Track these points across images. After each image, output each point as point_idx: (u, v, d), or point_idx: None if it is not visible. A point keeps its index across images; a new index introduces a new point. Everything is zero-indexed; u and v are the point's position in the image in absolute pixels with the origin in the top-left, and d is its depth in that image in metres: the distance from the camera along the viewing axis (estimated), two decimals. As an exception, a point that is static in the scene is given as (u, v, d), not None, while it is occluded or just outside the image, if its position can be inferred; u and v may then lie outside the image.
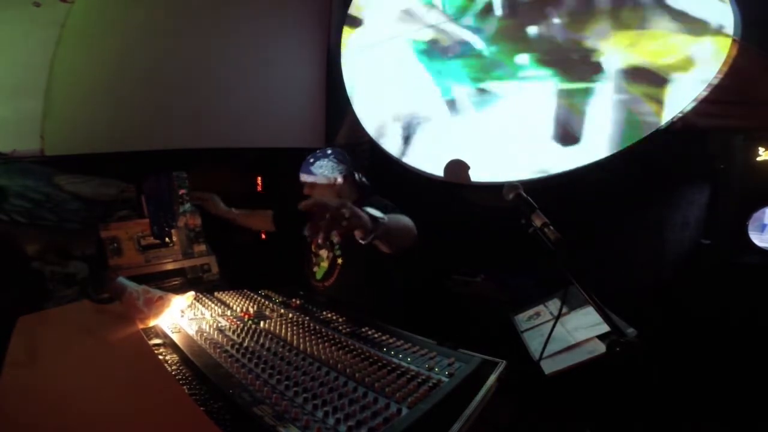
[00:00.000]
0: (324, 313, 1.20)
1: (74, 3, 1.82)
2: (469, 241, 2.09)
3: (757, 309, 1.43)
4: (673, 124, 1.63)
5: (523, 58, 1.98)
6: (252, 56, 2.42)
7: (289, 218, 1.74)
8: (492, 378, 0.80)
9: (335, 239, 0.89)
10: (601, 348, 1.04)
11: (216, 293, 1.40)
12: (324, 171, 1.52)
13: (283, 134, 2.58)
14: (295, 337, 0.99)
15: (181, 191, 1.68)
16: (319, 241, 0.87)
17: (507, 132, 2.05)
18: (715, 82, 1.55)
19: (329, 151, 1.57)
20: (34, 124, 1.79)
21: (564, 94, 1.88)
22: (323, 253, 1.57)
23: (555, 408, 1.15)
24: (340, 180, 1.53)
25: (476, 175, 2.13)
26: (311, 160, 1.55)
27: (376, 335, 1.02)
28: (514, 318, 1.42)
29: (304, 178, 1.57)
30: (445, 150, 2.24)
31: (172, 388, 0.77)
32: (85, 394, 0.77)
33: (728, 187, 1.60)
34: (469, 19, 2.13)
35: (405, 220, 1.24)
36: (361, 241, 0.99)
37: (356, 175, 1.59)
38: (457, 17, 2.16)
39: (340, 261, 1.50)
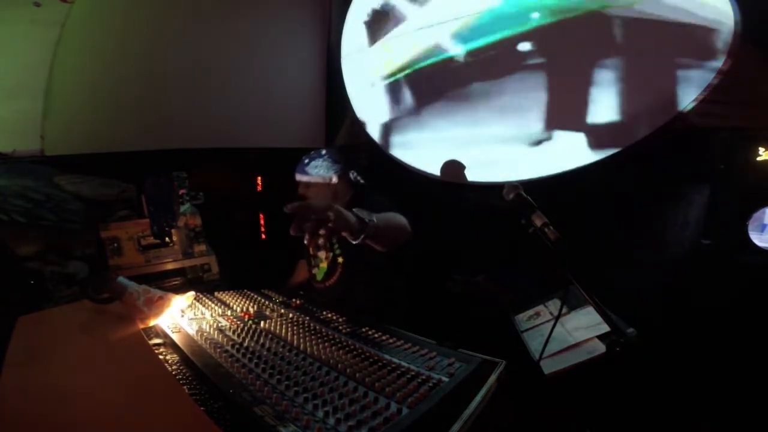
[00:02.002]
0: (324, 313, 1.20)
1: (74, 3, 1.82)
2: (469, 241, 2.09)
3: (757, 309, 1.43)
4: (673, 124, 1.63)
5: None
6: (252, 56, 2.42)
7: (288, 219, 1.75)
8: (492, 378, 0.80)
9: (320, 241, 0.90)
10: (601, 348, 1.04)
11: (216, 293, 1.40)
12: (319, 171, 1.55)
13: (283, 134, 2.58)
14: (295, 337, 0.99)
15: (181, 191, 1.68)
16: (305, 241, 0.89)
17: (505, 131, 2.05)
18: (715, 82, 1.55)
19: (323, 152, 1.60)
20: (34, 124, 1.79)
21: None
22: (321, 254, 1.58)
23: (555, 408, 1.15)
24: (335, 179, 1.55)
25: (475, 175, 2.13)
26: (306, 161, 1.58)
27: (376, 335, 1.02)
28: (514, 318, 1.42)
29: (300, 177, 1.59)
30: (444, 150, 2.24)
31: (173, 387, 0.77)
32: (85, 394, 0.77)
33: (728, 187, 1.60)
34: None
35: (397, 218, 1.23)
36: (351, 241, 1.00)
37: (351, 174, 1.61)
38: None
39: (340, 260, 1.51)
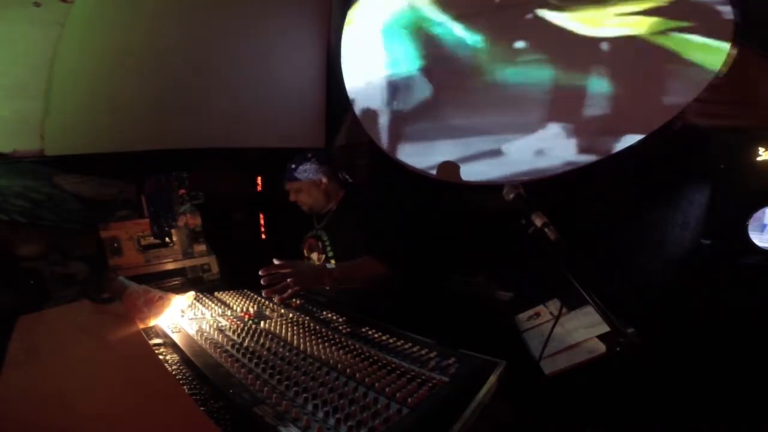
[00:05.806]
0: (324, 313, 1.20)
1: (74, 3, 1.82)
2: (469, 241, 2.09)
3: (757, 309, 1.43)
4: (673, 124, 1.63)
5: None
6: (252, 56, 2.42)
7: (287, 218, 1.78)
8: (492, 378, 0.80)
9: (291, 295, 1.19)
10: (601, 348, 1.04)
11: (216, 293, 1.40)
12: (308, 174, 1.56)
13: (283, 134, 2.58)
14: (295, 337, 0.99)
15: (181, 191, 1.68)
16: (275, 300, 1.19)
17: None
18: (715, 82, 1.55)
19: (309, 155, 1.60)
20: (34, 124, 1.79)
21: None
22: (314, 255, 1.60)
23: (555, 408, 1.15)
24: (325, 181, 1.57)
25: (476, 174, 2.13)
26: (293, 166, 1.58)
27: (376, 335, 1.02)
28: (515, 318, 1.42)
29: (290, 185, 1.60)
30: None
31: (173, 388, 0.77)
32: (85, 394, 0.77)
33: (728, 187, 1.60)
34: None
35: (368, 266, 1.36)
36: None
37: (340, 174, 1.64)
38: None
39: (333, 262, 1.52)
